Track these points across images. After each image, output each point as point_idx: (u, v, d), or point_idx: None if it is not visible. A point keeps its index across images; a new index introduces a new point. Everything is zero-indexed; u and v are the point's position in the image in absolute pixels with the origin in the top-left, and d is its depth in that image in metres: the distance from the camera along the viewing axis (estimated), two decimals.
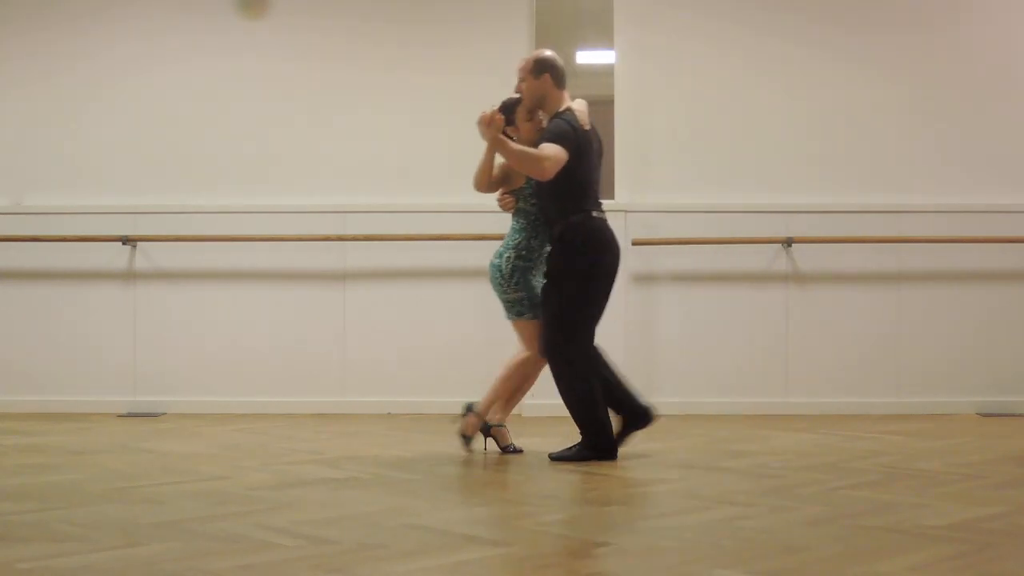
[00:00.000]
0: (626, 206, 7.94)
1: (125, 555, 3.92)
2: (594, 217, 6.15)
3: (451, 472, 5.56)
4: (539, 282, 6.12)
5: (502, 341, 7.99)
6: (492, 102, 6.17)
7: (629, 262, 7.94)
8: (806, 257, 8.01)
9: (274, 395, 8.03)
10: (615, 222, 7.85)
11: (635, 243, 7.91)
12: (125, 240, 8.01)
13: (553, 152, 5.89)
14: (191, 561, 3.82)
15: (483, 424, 6.16)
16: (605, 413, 6.07)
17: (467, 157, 8.12)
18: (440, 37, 8.19)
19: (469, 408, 6.17)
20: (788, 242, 7.95)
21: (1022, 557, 3.94)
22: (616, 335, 7.87)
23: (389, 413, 7.92)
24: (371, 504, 4.74)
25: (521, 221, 6.16)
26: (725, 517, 4.46)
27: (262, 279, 8.11)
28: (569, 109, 6.10)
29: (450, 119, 8.17)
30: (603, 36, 8.05)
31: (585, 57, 8.18)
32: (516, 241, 6.13)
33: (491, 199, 8.03)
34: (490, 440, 6.19)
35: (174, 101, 8.19)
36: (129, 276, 8.09)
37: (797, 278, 8.03)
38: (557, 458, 5.98)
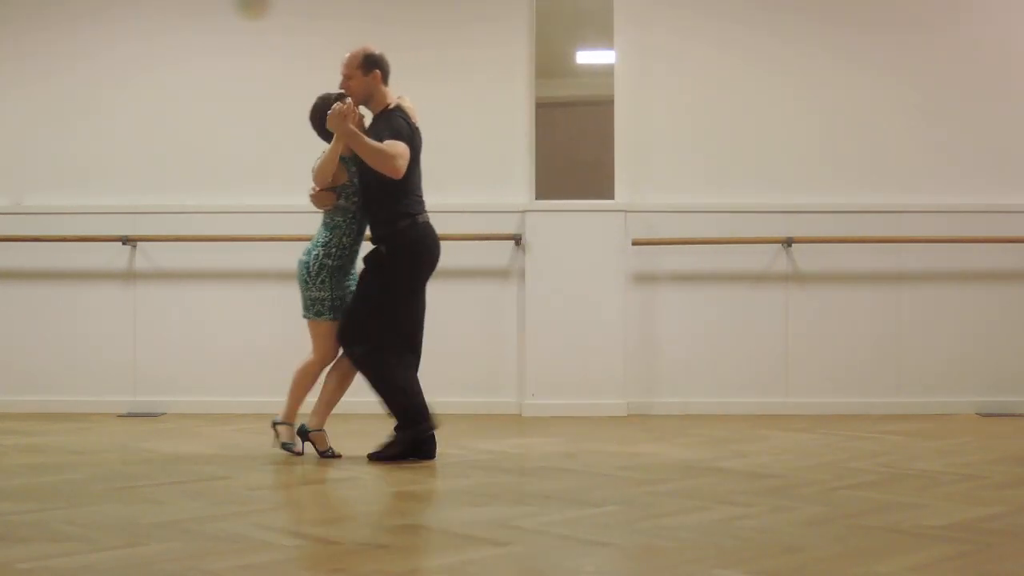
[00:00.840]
0: (626, 206, 7.94)
1: (125, 555, 3.92)
2: (420, 223, 6.02)
3: (451, 472, 5.56)
4: (352, 282, 5.97)
5: (502, 341, 8.02)
6: (320, 93, 6.04)
7: (629, 262, 7.95)
8: (806, 257, 8.01)
9: (274, 395, 7.96)
10: (615, 222, 7.92)
11: (635, 243, 7.91)
12: (125, 240, 8.00)
13: (403, 150, 5.81)
14: (191, 561, 3.82)
15: (300, 428, 6.03)
16: (423, 402, 5.92)
17: (467, 157, 8.16)
18: (440, 38, 8.19)
19: (275, 423, 6.09)
20: (788, 242, 7.95)
21: (1022, 557, 3.94)
22: (616, 335, 7.88)
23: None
24: (371, 504, 4.74)
25: (336, 219, 5.98)
26: (725, 517, 4.46)
27: (262, 279, 8.10)
28: (399, 106, 5.99)
29: (450, 119, 8.16)
30: (603, 36, 8.05)
31: (585, 57, 8.17)
32: (327, 239, 5.99)
33: (491, 199, 8.08)
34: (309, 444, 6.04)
35: (174, 101, 8.18)
36: (129, 276, 8.09)
37: (797, 278, 8.02)
38: (376, 457, 5.84)
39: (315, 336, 5.99)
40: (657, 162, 8.12)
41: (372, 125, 6.02)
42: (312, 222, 8.02)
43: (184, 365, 8.01)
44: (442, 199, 8.08)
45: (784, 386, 7.98)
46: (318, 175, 5.96)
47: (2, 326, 8.14)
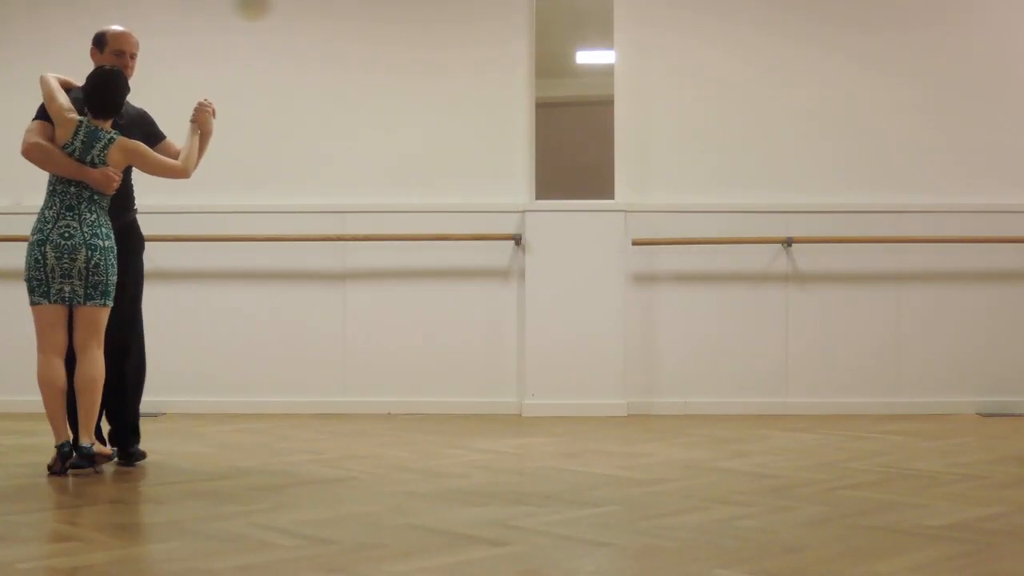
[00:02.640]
0: (626, 206, 7.94)
1: (125, 555, 3.92)
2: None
3: (451, 472, 5.56)
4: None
5: (502, 341, 8.02)
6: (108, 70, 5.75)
7: (629, 262, 7.95)
8: (806, 257, 8.01)
9: (274, 395, 8.03)
10: (615, 222, 7.92)
11: (635, 243, 7.91)
12: None
13: None
14: (191, 561, 3.81)
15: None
16: None
17: (467, 157, 8.16)
18: (440, 37, 8.20)
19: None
20: (788, 242, 7.95)
21: (1022, 557, 3.94)
22: (616, 335, 7.87)
23: (389, 413, 7.92)
24: (371, 504, 4.74)
25: (105, 205, 5.56)
26: (725, 517, 4.46)
27: (262, 279, 8.11)
28: None
29: (450, 119, 8.18)
30: (603, 36, 8.05)
31: (585, 57, 8.17)
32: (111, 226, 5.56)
33: (491, 199, 8.08)
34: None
35: (173, 101, 8.16)
36: None
37: (797, 278, 8.02)
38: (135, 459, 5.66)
39: (103, 323, 5.50)
40: (657, 162, 8.12)
41: (129, 118, 5.78)
42: (312, 222, 8.07)
43: (184, 365, 8.00)
44: (442, 199, 8.11)
45: (784, 386, 7.98)
46: (194, 165, 5.75)
47: (2, 326, 8.14)
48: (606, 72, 8.06)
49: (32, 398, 7.98)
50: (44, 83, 5.56)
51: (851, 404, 7.91)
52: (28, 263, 5.51)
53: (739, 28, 8.15)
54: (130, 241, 5.82)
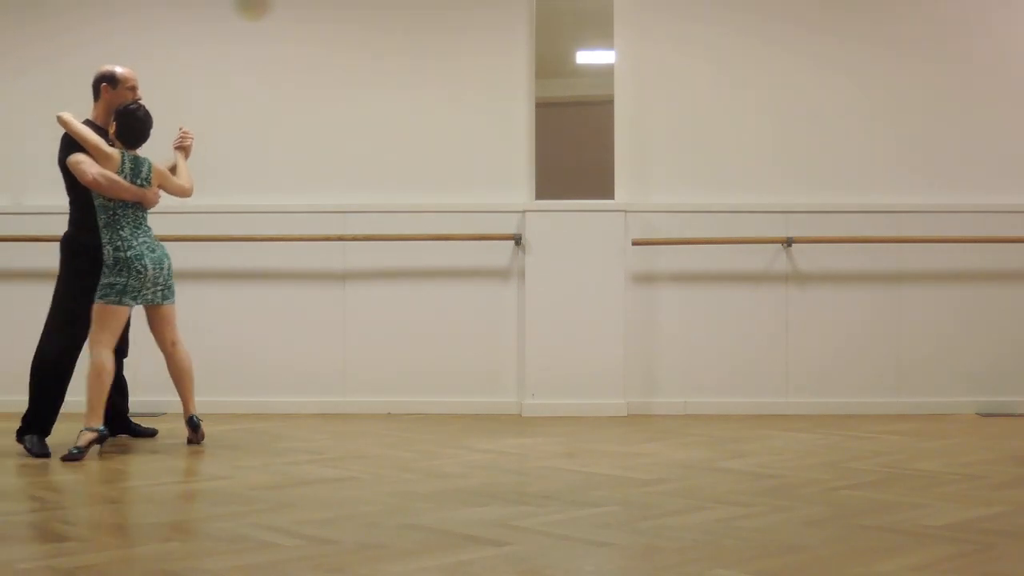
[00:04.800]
0: (626, 206, 7.94)
1: (125, 555, 3.92)
2: None
3: (451, 472, 5.56)
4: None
5: (502, 341, 8.02)
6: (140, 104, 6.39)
7: (629, 262, 7.95)
8: (806, 257, 8.02)
9: (274, 395, 8.03)
10: (615, 222, 7.92)
11: (635, 243, 7.91)
12: None
13: None
14: (191, 561, 3.82)
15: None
16: None
17: (467, 157, 8.16)
18: (440, 39, 8.20)
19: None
20: (788, 242, 7.95)
21: (1022, 557, 3.94)
22: (616, 335, 7.88)
23: (389, 413, 7.92)
24: (371, 504, 4.74)
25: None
26: (725, 517, 4.46)
27: (262, 279, 8.11)
28: None
29: (450, 119, 8.18)
30: (603, 36, 8.06)
31: (585, 57, 8.17)
32: None
33: (491, 199, 8.08)
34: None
35: (173, 101, 8.18)
36: None
37: (797, 278, 8.03)
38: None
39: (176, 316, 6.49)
40: (657, 162, 8.12)
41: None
42: (312, 222, 8.07)
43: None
44: (442, 199, 8.11)
45: (784, 386, 7.99)
46: (191, 185, 6.58)
47: (2, 326, 8.14)
48: (606, 72, 8.06)
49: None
50: (68, 123, 6.22)
51: (851, 404, 7.91)
52: (125, 273, 6.16)
53: (739, 29, 8.15)
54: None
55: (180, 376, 6.50)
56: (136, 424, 6.87)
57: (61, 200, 8.15)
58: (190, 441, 6.51)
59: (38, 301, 8.13)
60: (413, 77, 8.20)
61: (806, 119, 8.12)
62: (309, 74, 8.22)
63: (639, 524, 4.36)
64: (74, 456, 5.96)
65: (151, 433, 6.82)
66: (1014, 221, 7.97)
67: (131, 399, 8.02)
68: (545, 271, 7.89)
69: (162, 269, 6.28)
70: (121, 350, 6.49)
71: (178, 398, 7.90)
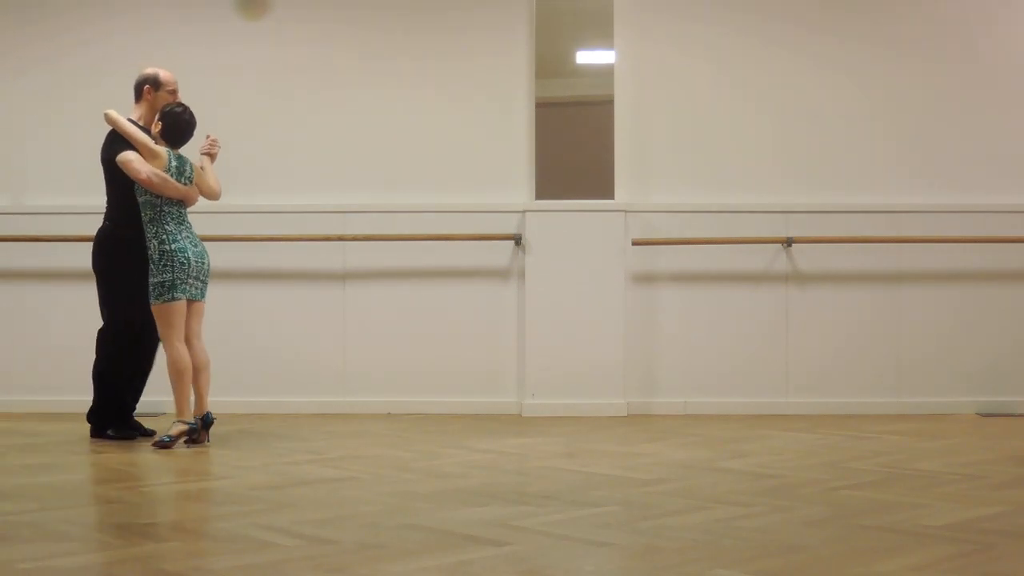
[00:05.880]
0: (626, 206, 7.94)
1: (125, 555, 3.92)
2: None
3: (451, 472, 5.56)
4: None
5: (502, 341, 8.01)
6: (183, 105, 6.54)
7: (629, 262, 7.95)
8: (806, 257, 8.02)
9: (274, 395, 8.03)
10: (615, 222, 7.92)
11: (635, 243, 7.91)
12: None
13: None
14: (191, 561, 3.81)
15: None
16: None
17: (467, 157, 8.16)
18: (440, 39, 8.20)
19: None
20: (788, 242, 7.95)
21: (1022, 557, 3.94)
22: (616, 335, 7.88)
23: (389, 413, 7.92)
24: (371, 504, 4.74)
25: None
26: (725, 517, 4.45)
27: (262, 279, 8.11)
28: None
29: (450, 119, 8.18)
30: (603, 36, 8.06)
31: (585, 57, 8.17)
32: None
33: (491, 199, 8.08)
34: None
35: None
36: None
37: (797, 278, 8.03)
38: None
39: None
40: (657, 162, 8.12)
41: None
42: (312, 222, 8.07)
43: None
44: (442, 199, 8.11)
45: (784, 386, 7.99)
46: (219, 188, 6.72)
47: (2, 326, 8.15)
48: (606, 72, 8.06)
49: (32, 398, 8.04)
50: (116, 120, 6.40)
51: (851, 404, 7.91)
52: (172, 266, 6.30)
53: (739, 29, 8.15)
54: None
55: (198, 372, 6.53)
56: (138, 423, 6.87)
57: (61, 200, 8.19)
58: (197, 440, 6.50)
59: (38, 301, 8.17)
60: (413, 77, 8.20)
61: (806, 119, 8.12)
62: (309, 74, 8.22)
63: (639, 524, 4.36)
64: (164, 444, 6.25)
65: (149, 433, 6.82)
66: (1014, 221, 7.97)
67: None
68: (545, 271, 7.89)
69: (202, 265, 6.41)
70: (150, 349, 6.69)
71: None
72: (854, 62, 8.12)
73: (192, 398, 6.48)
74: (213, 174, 6.69)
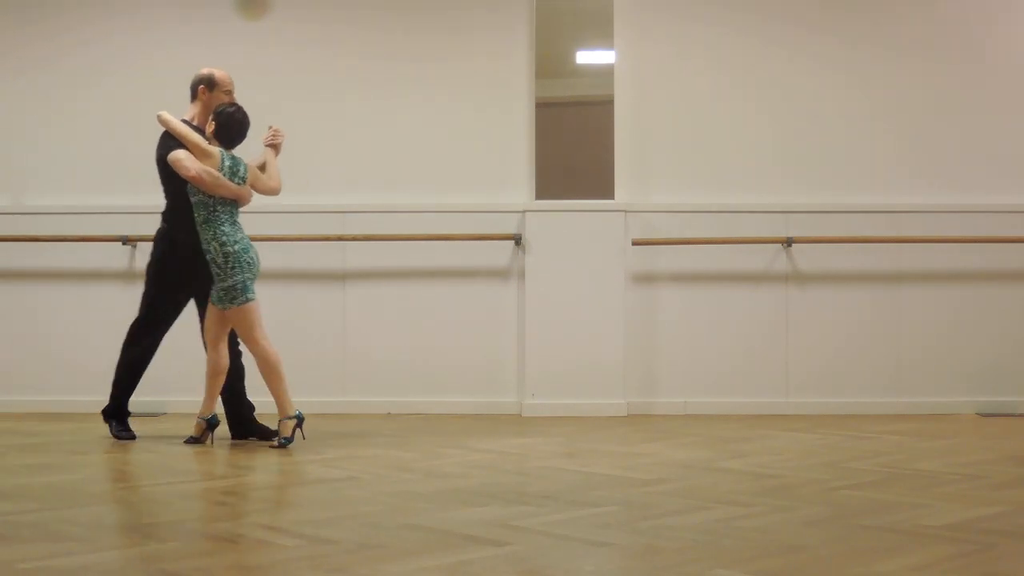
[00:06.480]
0: (626, 206, 7.94)
1: (125, 555, 3.92)
2: None
3: (451, 472, 5.56)
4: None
5: (502, 341, 8.01)
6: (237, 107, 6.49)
7: (629, 262, 7.95)
8: (806, 257, 8.02)
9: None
10: (615, 222, 7.92)
11: (635, 243, 7.91)
12: (125, 240, 8.01)
13: None
14: (191, 561, 3.81)
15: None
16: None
17: (467, 157, 8.16)
18: (441, 39, 8.20)
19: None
20: (788, 242, 7.95)
21: (1022, 557, 3.94)
22: (616, 335, 7.88)
23: (389, 413, 7.92)
24: (371, 504, 4.74)
25: None
26: (725, 517, 4.45)
27: (262, 279, 8.07)
28: None
29: (450, 119, 8.18)
30: (603, 36, 8.06)
31: (585, 57, 8.17)
32: None
33: (491, 199, 8.08)
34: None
35: (174, 100, 8.16)
36: (129, 276, 8.09)
37: (797, 278, 8.03)
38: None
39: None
40: (657, 162, 8.12)
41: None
42: (312, 222, 8.07)
43: (184, 365, 7.99)
44: (442, 199, 8.11)
45: (784, 386, 7.99)
46: (279, 184, 6.62)
47: (2, 326, 8.15)
48: (606, 72, 8.06)
49: (32, 398, 8.04)
50: (168, 121, 6.37)
51: (851, 404, 7.91)
52: (240, 266, 6.29)
53: (739, 29, 8.15)
54: None
55: (220, 375, 6.46)
56: (263, 426, 6.74)
57: (61, 200, 8.19)
58: (199, 440, 6.46)
59: (37, 301, 8.17)
60: (413, 77, 8.20)
61: (806, 119, 8.13)
62: (309, 74, 8.22)
63: (639, 524, 4.36)
64: (283, 445, 6.26)
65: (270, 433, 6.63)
66: (1014, 221, 7.97)
67: (131, 398, 8.04)
68: (545, 271, 7.89)
69: (259, 265, 6.41)
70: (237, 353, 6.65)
71: (178, 398, 7.95)
72: (854, 62, 8.13)
73: (196, 397, 6.51)
74: (275, 167, 6.60)
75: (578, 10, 8.14)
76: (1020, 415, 7.83)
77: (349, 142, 8.18)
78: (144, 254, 8.13)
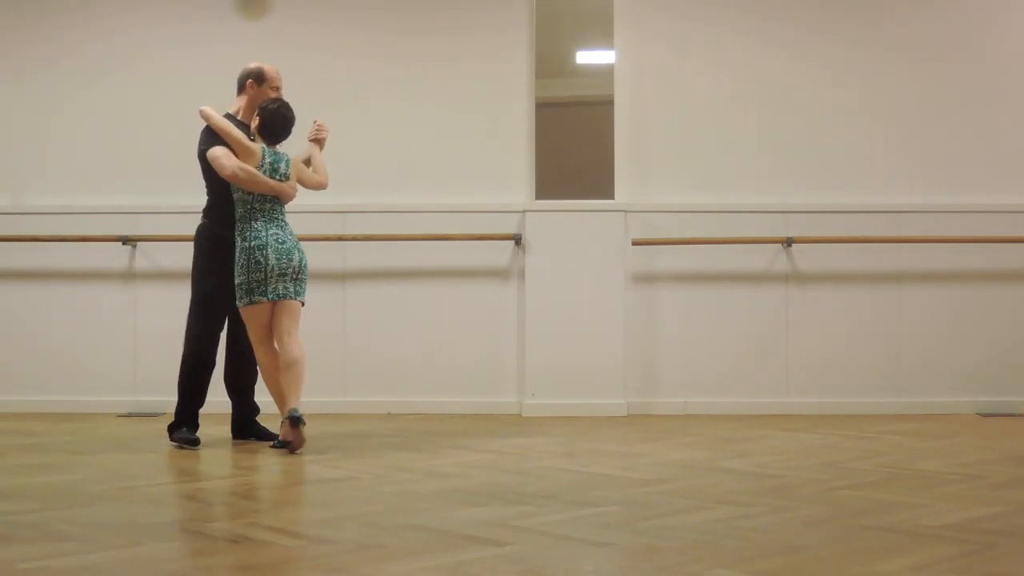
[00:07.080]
0: (626, 206, 7.94)
1: (125, 555, 3.92)
2: None
3: (451, 472, 5.56)
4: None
5: (502, 341, 8.02)
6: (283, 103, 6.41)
7: (629, 262, 7.95)
8: (806, 257, 8.02)
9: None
10: (615, 222, 7.92)
11: (635, 243, 7.91)
12: (125, 240, 8.01)
13: None
14: (191, 561, 3.81)
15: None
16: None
17: (467, 157, 8.16)
18: (441, 39, 8.20)
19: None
20: (788, 242, 7.95)
21: (1022, 557, 3.94)
22: (616, 335, 7.88)
23: (389, 413, 7.92)
24: (371, 504, 4.74)
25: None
26: (725, 517, 4.45)
27: None
28: None
29: (450, 120, 8.18)
30: (603, 36, 8.06)
31: (585, 57, 8.18)
32: None
33: (491, 199, 8.08)
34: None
35: (174, 100, 8.18)
36: (129, 276, 8.10)
37: (797, 278, 8.03)
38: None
39: (301, 313, 6.41)
40: (657, 162, 8.12)
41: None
42: (312, 222, 8.06)
43: None
44: (442, 199, 8.11)
45: (784, 386, 7.99)
46: (326, 179, 6.56)
47: (2, 326, 8.15)
48: (606, 72, 8.06)
49: (32, 398, 8.04)
50: (210, 117, 6.29)
51: (851, 404, 7.92)
52: (247, 267, 6.21)
53: (739, 29, 8.16)
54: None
55: (285, 368, 6.31)
56: (262, 427, 6.73)
57: (61, 200, 8.19)
58: (263, 437, 6.50)
59: (38, 301, 8.17)
60: (413, 77, 8.20)
61: (806, 119, 8.13)
62: (309, 74, 8.22)
63: (639, 524, 4.36)
64: (282, 445, 6.19)
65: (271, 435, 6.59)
66: (1014, 221, 7.98)
67: (131, 398, 8.05)
68: (545, 271, 7.89)
69: (291, 263, 6.24)
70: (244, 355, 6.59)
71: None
72: (854, 62, 8.13)
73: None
74: (320, 162, 6.56)
75: (578, 10, 8.15)
76: (1020, 415, 7.83)
77: (349, 142, 8.18)
78: (144, 254, 8.16)
